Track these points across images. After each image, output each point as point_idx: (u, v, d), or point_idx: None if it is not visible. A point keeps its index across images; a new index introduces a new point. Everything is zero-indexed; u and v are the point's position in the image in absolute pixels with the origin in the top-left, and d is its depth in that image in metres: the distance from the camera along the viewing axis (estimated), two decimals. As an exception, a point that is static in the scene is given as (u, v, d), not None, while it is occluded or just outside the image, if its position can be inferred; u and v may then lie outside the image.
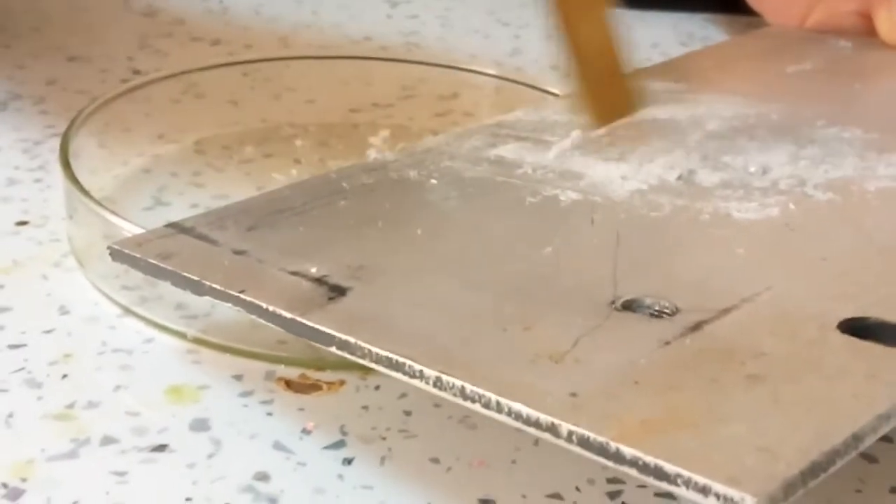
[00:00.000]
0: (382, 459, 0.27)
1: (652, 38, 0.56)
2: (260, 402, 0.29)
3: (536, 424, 0.20)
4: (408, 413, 0.28)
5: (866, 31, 0.44)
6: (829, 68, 0.41)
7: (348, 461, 0.27)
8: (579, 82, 0.34)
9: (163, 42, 0.52)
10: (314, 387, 0.29)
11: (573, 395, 0.21)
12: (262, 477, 0.26)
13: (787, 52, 0.43)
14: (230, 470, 0.26)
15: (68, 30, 0.52)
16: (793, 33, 0.45)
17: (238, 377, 0.29)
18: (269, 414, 0.28)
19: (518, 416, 0.21)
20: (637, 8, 0.59)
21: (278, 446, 0.27)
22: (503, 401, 0.21)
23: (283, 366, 0.30)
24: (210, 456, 0.27)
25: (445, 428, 0.28)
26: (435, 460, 0.27)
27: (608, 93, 0.35)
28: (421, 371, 0.22)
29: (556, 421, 0.20)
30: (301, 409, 0.28)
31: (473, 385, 0.21)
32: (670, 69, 0.41)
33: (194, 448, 0.27)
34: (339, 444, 0.27)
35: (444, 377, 0.22)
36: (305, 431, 0.28)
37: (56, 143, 0.36)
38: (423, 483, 0.26)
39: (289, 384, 0.29)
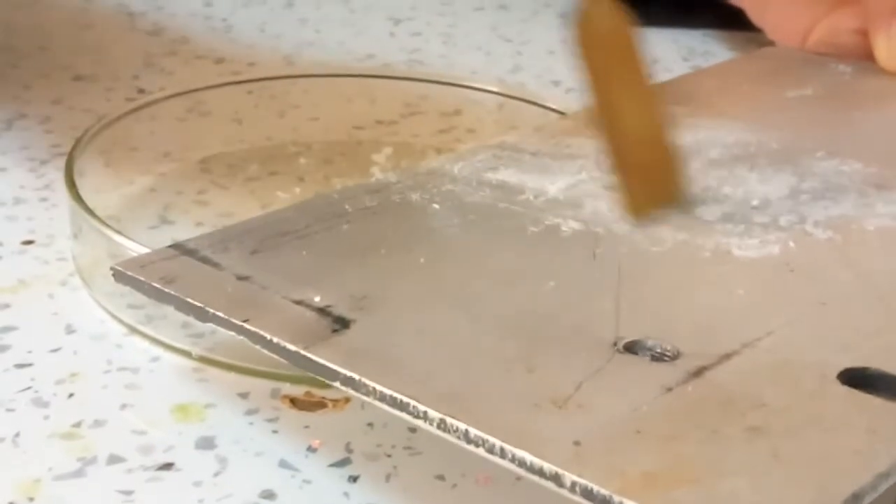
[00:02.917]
0: (388, 477, 0.27)
1: (653, 54, 0.56)
2: (265, 419, 0.29)
3: (540, 473, 0.21)
4: (413, 430, 0.28)
5: (867, 49, 0.44)
6: (829, 94, 0.41)
7: (354, 479, 0.27)
8: (618, 170, 0.30)
9: (168, 61, 0.52)
10: (319, 404, 0.29)
11: (576, 443, 0.21)
12: (268, 495, 0.26)
13: (788, 75, 0.43)
14: (236, 488, 0.26)
15: (74, 49, 0.52)
16: (793, 56, 0.45)
17: (243, 395, 0.30)
18: (275, 432, 0.28)
19: (522, 464, 0.21)
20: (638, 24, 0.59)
21: (284, 464, 0.27)
22: (507, 447, 0.21)
23: (288, 384, 0.30)
24: (216, 474, 0.27)
25: (450, 445, 0.28)
26: (440, 477, 0.27)
27: (650, 181, 0.31)
28: (425, 412, 0.22)
29: (560, 471, 0.20)
30: (306, 427, 0.29)
31: (477, 430, 0.21)
32: (670, 91, 0.41)
33: (200, 466, 0.27)
34: (344, 462, 0.27)
35: (449, 420, 0.22)
36: (311, 449, 0.28)
37: (62, 162, 0.36)
38: (428, 500, 0.26)
39: (294, 402, 0.29)
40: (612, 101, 0.30)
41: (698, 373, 0.23)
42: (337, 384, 0.23)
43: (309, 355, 0.24)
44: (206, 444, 0.28)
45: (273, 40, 0.56)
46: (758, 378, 0.23)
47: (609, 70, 0.30)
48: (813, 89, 0.41)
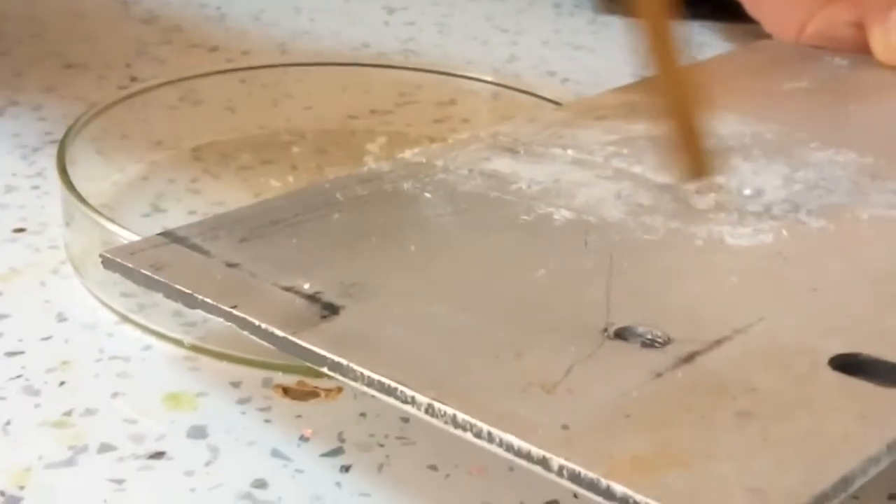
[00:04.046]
0: (380, 466, 0.27)
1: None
2: (257, 409, 0.29)
3: (528, 457, 0.20)
4: (405, 420, 0.28)
5: (863, 42, 0.44)
6: (824, 87, 0.41)
7: (346, 468, 0.27)
8: (672, 133, 0.31)
9: (161, 49, 0.52)
10: (312, 394, 0.29)
11: (565, 427, 0.21)
12: (260, 484, 0.26)
13: (783, 68, 0.43)
14: (228, 477, 0.26)
15: (66, 37, 0.52)
16: (789, 49, 0.45)
17: (236, 384, 0.29)
18: (267, 421, 0.28)
19: (509, 448, 0.21)
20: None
21: (276, 453, 0.27)
22: (495, 431, 0.21)
23: (280, 373, 0.30)
24: (208, 463, 0.27)
25: (443, 435, 0.28)
26: (433, 467, 0.27)
27: (694, 148, 0.32)
28: (413, 397, 0.22)
29: (548, 455, 0.20)
30: (299, 416, 0.28)
31: (465, 414, 0.21)
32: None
33: (192, 455, 0.27)
34: (336, 452, 0.27)
35: (436, 405, 0.22)
36: (303, 438, 0.28)
37: (54, 149, 0.36)
38: (421, 490, 0.26)
39: (286, 391, 0.29)
40: (668, 66, 0.32)
41: (689, 358, 0.23)
42: (325, 370, 0.23)
43: (297, 341, 0.24)
44: (198, 432, 0.28)
45: (267, 29, 0.55)
46: (749, 363, 0.23)
47: (664, 37, 0.32)
48: (808, 82, 0.41)
